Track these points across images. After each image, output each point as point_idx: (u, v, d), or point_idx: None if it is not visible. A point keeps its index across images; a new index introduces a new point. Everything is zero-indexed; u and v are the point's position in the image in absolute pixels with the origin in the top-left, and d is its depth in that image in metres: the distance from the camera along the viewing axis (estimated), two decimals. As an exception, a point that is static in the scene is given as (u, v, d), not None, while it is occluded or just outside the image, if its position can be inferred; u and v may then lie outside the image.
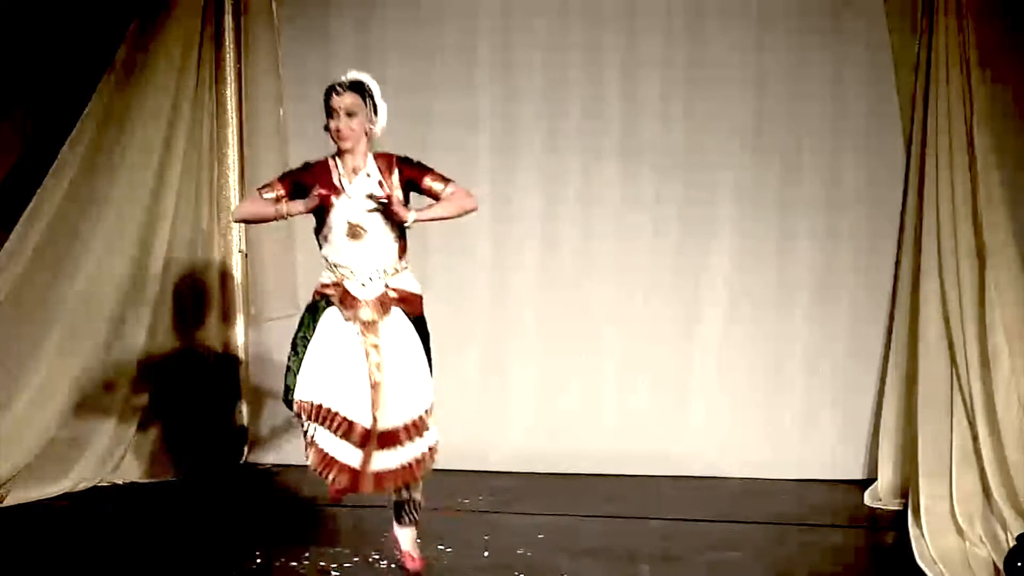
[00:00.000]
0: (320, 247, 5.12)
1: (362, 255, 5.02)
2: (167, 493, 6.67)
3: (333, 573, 5.29)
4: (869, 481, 6.70)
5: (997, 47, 6.25)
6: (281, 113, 7.23)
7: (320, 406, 4.92)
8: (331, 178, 5.03)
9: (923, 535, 5.74)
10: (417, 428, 4.99)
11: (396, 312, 5.04)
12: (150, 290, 6.83)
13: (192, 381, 7.08)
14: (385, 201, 4.92)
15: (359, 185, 5.02)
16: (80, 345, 6.61)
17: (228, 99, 7.19)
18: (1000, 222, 6.15)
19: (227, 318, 7.28)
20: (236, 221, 6.75)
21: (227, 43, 7.14)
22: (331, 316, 5.03)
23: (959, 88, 6.27)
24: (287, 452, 7.23)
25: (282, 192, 5.04)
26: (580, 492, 6.75)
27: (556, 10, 7.05)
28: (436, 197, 5.07)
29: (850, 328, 6.94)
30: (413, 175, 5.08)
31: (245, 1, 7.14)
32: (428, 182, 5.07)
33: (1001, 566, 5.29)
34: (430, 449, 5.02)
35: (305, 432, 4.96)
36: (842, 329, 6.96)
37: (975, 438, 6.02)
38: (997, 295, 6.08)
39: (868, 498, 6.57)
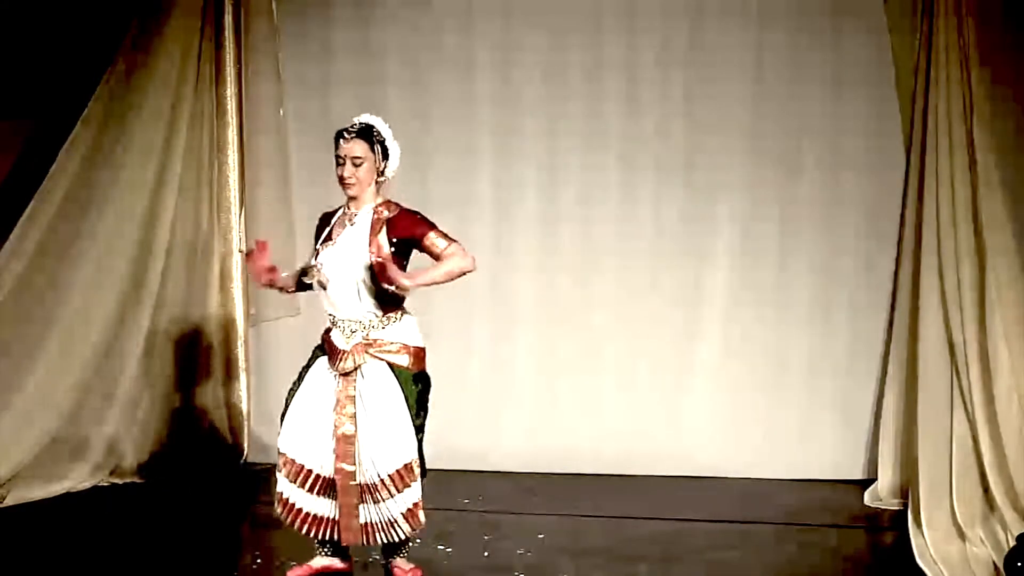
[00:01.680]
0: None
1: (338, 304, 5.01)
2: (167, 493, 6.67)
3: (334, 573, 5.28)
4: (869, 481, 6.70)
5: (997, 47, 6.25)
6: (281, 113, 7.23)
7: (291, 460, 5.01)
8: (328, 221, 5.11)
9: (923, 535, 5.75)
10: (402, 479, 4.95)
11: (375, 364, 4.98)
12: (150, 290, 6.83)
13: (192, 381, 7.08)
14: (378, 266, 4.83)
15: (345, 236, 5.01)
16: (80, 345, 6.61)
17: (228, 99, 7.18)
18: (1000, 222, 6.15)
19: (227, 318, 7.27)
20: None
21: (227, 43, 7.14)
22: (319, 366, 5.07)
23: (959, 88, 6.27)
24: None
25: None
26: (580, 492, 6.75)
27: (556, 10, 7.05)
28: (436, 256, 4.98)
29: (850, 328, 6.94)
30: (411, 232, 4.98)
31: (245, 1, 7.14)
32: (429, 241, 4.97)
33: (1001, 566, 5.29)
34: (415, 505, 4.99)
35: (279, 491, 5.06)
36: (842, 329, 6.96)
37: (975, 438, 6.02)
38: (997, 295, 6.08)
39: (868, 498, 6.57)
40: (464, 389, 7.02)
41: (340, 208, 5.17)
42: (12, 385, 6.42)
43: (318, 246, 5.06)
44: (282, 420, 5.13)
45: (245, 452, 7.26)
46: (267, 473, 7.10)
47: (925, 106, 6.43)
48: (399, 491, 4.96)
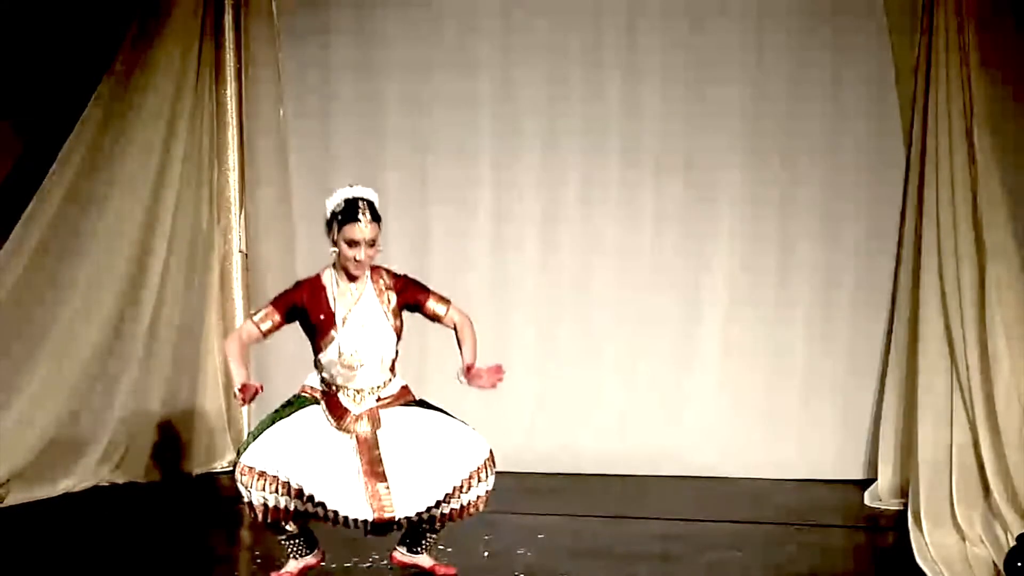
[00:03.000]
0: (315, 360, 4.98)
1: (359, 377, 4.93)
2: (167, 493, 6.67)
3: (333, 573, 5.29)
4: (869, 481, 6.70)
5: (997, 47, 6.25)
6: (281, 113, 7.24)
7: (265, 474, 4.76)
8: (328, 304, 4.91)
9: (923, 535, 5.74)
10: (479, 476, 4.90)
11: (388, 413, 4.93)
12: (150, 290, 6.83)
13: (192, 381, 7.08)
14: (499, 381, 4.92)
15: (366, 311, 4.91)
16: (80, 345, 6.61)
17: (228, 99, 7.19)
18: (1000, 222, 6.15)
19: (227, 318, 7.28)
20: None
21: (227, 43, 7.15)
22: (316, 412, 4.92)
23: (959, 88, 6.27)
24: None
25: (278, 319, 4.92)
26: (580, 492, 6.76)
27: (556, 10, 7.05)
28: (436, 318, 5.02)
29: (850, 328, 6.94)
30: (416, 299, 4.99)
31: (245, 1, 7.14)
32: (431, 305, 5.00)
33: (1001, 566, 5.29)
34: (486, 493, 4.93)
35: (246, 501, 4.81)
36: (842, 329, 6.96)
37: (975, 438, 6.01)
38: (997, 295, 6.08)
39: (868, 498, 6.57)
40: (464, 389, 7.01)
41: (319, 279, 4.98)
42: (12, 385, 6.42)
43: (334, 330, 4.89)
44: (250, 440, 4.89)
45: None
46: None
47: (925, 106, 6.43)
48: (466, 492, 4.89)
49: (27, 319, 6.49)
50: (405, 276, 5.03)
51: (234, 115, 7.22)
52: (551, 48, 7.06)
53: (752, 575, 5.42)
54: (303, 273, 7.15)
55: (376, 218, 4.86)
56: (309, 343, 4.96)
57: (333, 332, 4.88)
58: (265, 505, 4.79)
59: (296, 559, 5.06)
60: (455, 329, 5.04)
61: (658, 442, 7.04)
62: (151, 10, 6.82)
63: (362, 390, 4.93)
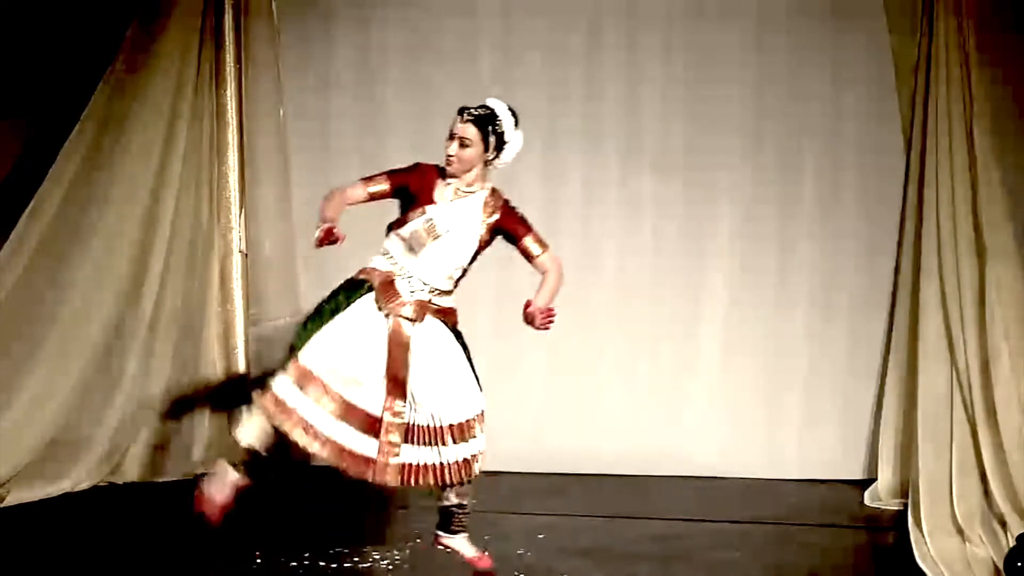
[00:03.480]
0: (388, 235, 5.12)
1: (421, 264, 5.03)
2: (167, 493, 6.66)
3: (333, 573, 5.28)
4: (869, 481, 6.70)
5: (997, 47, 6.25)
6: (281, 113, 7.23)
7: (318, 379, 4.90)
8: (434, 187, 5.05)
9: (923, 535, 5.74)
10: (463, 432, 5.01)
11: (432, 321, 5.06)
12: (150, 290, 6.83)
13: (192, 381, 7.07)
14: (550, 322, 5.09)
15: (465, 207, 5.05)
16: (80, 345, 6.61)
17: (228, 99, 7.18)
18: (1000, 222, 6.15)
19: (227, 318, 7.27)
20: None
21: (227, 43, 7.13)
22: (369, 301, 5.02)
23: (959, 88, 6.28)
24: (286, 452, 7.23)
25: (386, 187, 5.08)
26: (580, 492, 6.75)
27: (556, 10, 7.05)
28: (529, 257, 5.16)
29: (850, 328, 6.94)
30: (514, 229, 5.14)
31: (245, 1, 7.14)
32: (527, 243, 5.15)
33: (1001, 566, 5.29)
34: (472, 456, 5.03)
35: (271, 385, 4.92)
36: (842, 329, 6.96)
37: (975, 438, 6.02)
38: (997, 295, 6.08)
39: (868, 498, 6.57)
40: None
41: (440, 170, 5.10)
42: (12, 385, 6.41)
43: (431, 204, 5.02)
44: (303, 333, 4.99)
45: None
46: (266, 473, 7.11)
47: (925, 106, 6.43)
48: (456, 442, 5.00)
49: (27, 319, 6.48)
50: (516, 209, 5.18)
51: (234, 115, 7.20)
52: (551, 48, 7.06)
53: (752, 575, 5.42)
54: (303, 273, 7.25)
55: (480, 124, 5.01)
56: (391, 221, 5.09)
57: (428, 207, 5.01)
58: (287, 406, 4.90)
59: (239, 472, 5.16)
60: (544, 273, 5.18)
61: (658, 442, 7.04)
62: (151, 10, 6.81)
63: (421, 281, 5.02)
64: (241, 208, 7.24)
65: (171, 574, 5.40)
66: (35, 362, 6.47)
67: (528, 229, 5.17)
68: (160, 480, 6.83)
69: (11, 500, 6.22)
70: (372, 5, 7.18)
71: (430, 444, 5.01)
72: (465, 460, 5.02)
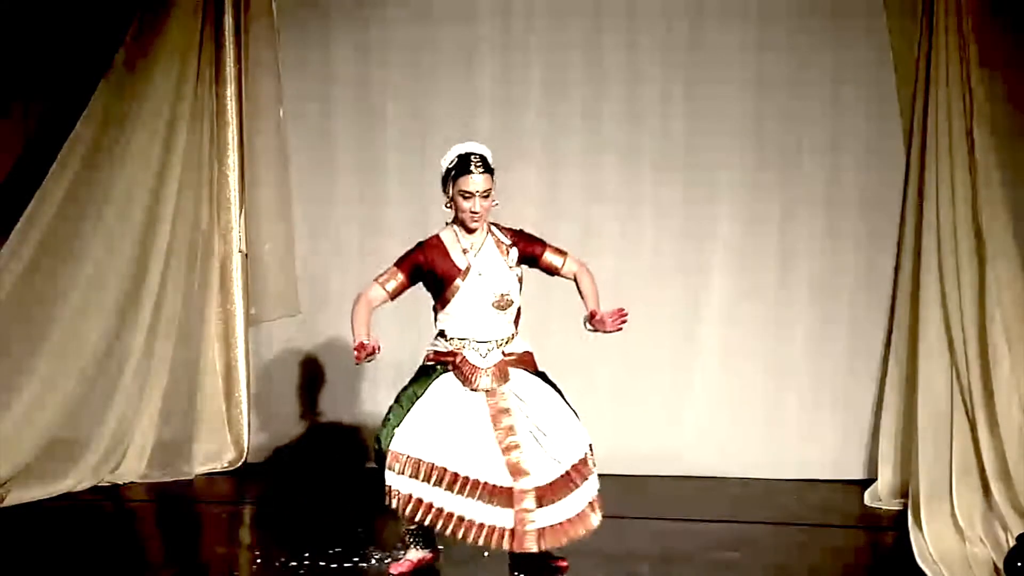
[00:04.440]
0: (436, 319, 5.17)
1: (482, 327, 5.09)
2: (167, 493, 6.67)
3: (333, 573, 5.28)
4: (869, 481, 6.70)
5: (997, 47, 6.25)
6: (281, 113, 7.23)
7: (419, 460, 4.93)
8: (450, 258, 5.08)
9: (923, 535, 5.74)
10: (580, 473, 5.06)
11: (517, 373, 5.12)
12: (150, 290, 6.83)
13: (192, 381, 7.07)
14: (623, 323, 5.10)
15: (488, 259, 5.10)
16: (80, 345, 6.61)
17: (228, 99, 7.19)
18: (1000, 222, 6.15)
19: (227, 318, 7.27)
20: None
21: (227, 43, 7.14)
22: (447, 380, 5.07)
23: (959, 88, 6.28)
24: (286, 453, 7.24)
25: (403, 279, 5.08)
26: (580, 492, 6.74)
27: (556, 11, 7.05)
28: (554, 270, 5.24)
29: (850, 328, 6.94)
30: (533, 251, 5.21)
31: (245, 1, 7.14)
32: (548, 257, 5.23)
33: (1001, 566, 5.29)
34: (596, 496, 5.11)
35: (388, 486, 4.95)
36: (842, 329, 6.96)
37: (975, 438, 6.02)
38: (997, 295, 6.08)
39: (868, 498, 6.57)
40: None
41: (438, 237, 5.12)
42: (12, 385, 6.42)
43: (460, 278, 5.05)
44: (387, 425, 4.99)
45: (245, 452, 7.26)
46: (267, 473, 7.11)
47: (925, 106, 6.43)
48: (585, 479, 5.07)
49: (27, 319, 6.49)
50: (520, 230, 5.25)
51: (234, 115, 7.21)
52: (551, 48, 7.06)
53: (752, 575, 5.42)
54: (303, 273, 7.25)
55: (488, 170, 5.04)
56: (432, 304, 5.14)
57: (459, 281, 5.05)
58: (410, 496, 4.91)
59: (416, 549, 5.20)
60: (575, 280, 5.26)
61: (658, 442, 7.04)
62: (151, 10, 6.82)
63: (488, 342, 5.08)
64: (241, 208, 7.24)
65: (171, 574, 5.40)
66: (35, 362, 6.47)
67: (544, 245, 5.25)
68: (160, 480, 6.83)
69: (11, 500, 6.22)
70: (372, 5, 7.18)
71: (563, 495, 5.03)
72: (594, 498, 5.11)
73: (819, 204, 6.94)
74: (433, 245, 5.12)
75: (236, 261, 7.27)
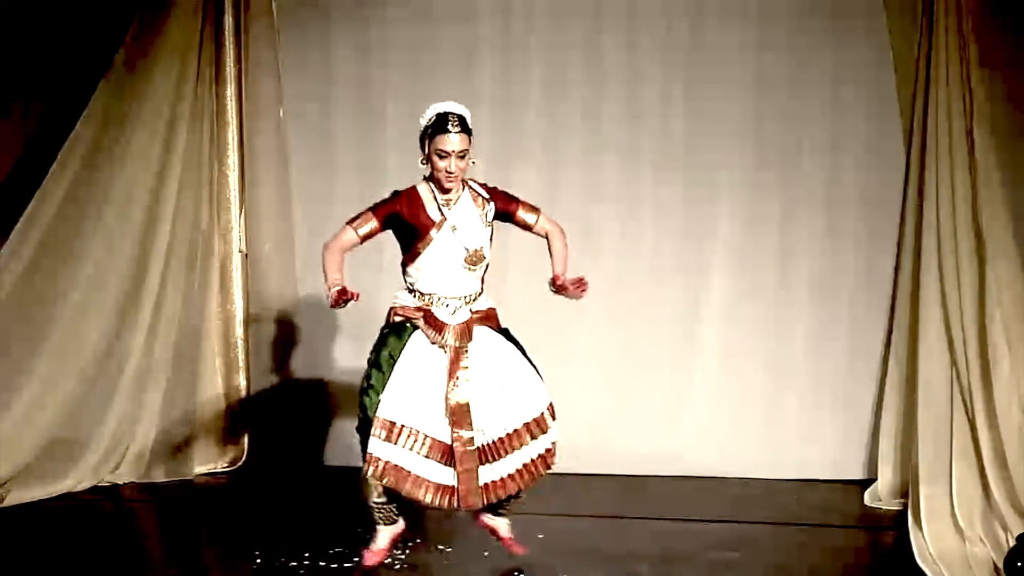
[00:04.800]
0: (405, 272, 5.21)
1: (451, 282, 5.13)
2: (167, 493, 6.67)
3: (333, 573, 5.28)
4: (869, 481, 6.70)
5: (997, 47, 6.25)
6: (281, 113, 7.23)
7: (403, 426, 5.02)
8: (424, 209, 5.12)
9: (923, 535, 5.74)
10: (539, 426, 5.19)
11: (481, 331, 5.18)
12: (150, 290, 6.83)
13: (192, 381, 7.07)
14: (583, 291, 5.20)
15: (461, 214, 5.12)
16: (80, 345, 6.61)
17: (228, 99, 7.18)
18: (1000, 222, 6.15)
19: (227, 318, 7.27)
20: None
21: (227, 43, 7.14)
22: (419, 340, 5.12)
23: (959, 88, 6.28)
24: (286, 453, 7.24)
25: (375, 224, 5.12)
26: (580, 492, 6.75)
27: (556, 11, 7.05)
28: (527, 227, 5.30)
29: (850, 328, 6.94)
30: (507, 208, 5.25)
31: (245, 1, 7.14)
32: (521, 214, 5.29)
33: (1001, 566, 5.29)
34: (548, 450, 5.23)
35: (370, 453, 5.01)
36: (842, 329, 6.96)
37: (975, 438, 6.02)
38: (997, 295, 6.08)
39: (868, 498, 6.57)
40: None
41: (414, 189, 5.18)
42: (12, 385, 6.42)
43: (435, 229, 5.09)
44: (371, 391, 5.05)
45: (244, 452, 7.26)
46: (267, 473, 7.11)
47: (925, 106, 6.43)
48: (535, 437, 5.18)
49: (27, 319, 6.49)
50: (495, 188, 5.27)
51: (234, 115, 7.21)
52: (551, 48, 7.06)
53: (752, 575, 5.42)
54: (303, 273, 7.24)
55: (466, 130, 5.07)
56: (401, 257, 5.18)
57: (433, 232, 5.08)
58: (388, 462, 4.98)
59: (386, 524, 5.22)
60: (547, 238, 5.33)
61: (658, 442, 7.04)
62: (151, 10, 6.81)
63: (456, 298, 5.14)
64: (241, 208, 7.24)
65: (171, 574, 5.40)
66: (35, 362, 6.47)
67: (517, 201, 5.29)
68: (160, 480, 6.83)
69: (11, 500, 6.22)
70: (372, 5, 7.18)
71: (506, 454, 5.14)
72: (540, 455, 5.21)
73: (819, 204, 6.94)
74: (409, 195, 5.15)
75: (236, 261, 7.27)
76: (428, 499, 5.06)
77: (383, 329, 5.21)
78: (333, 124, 7.26)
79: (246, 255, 7.28)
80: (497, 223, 5.29)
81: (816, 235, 6.95)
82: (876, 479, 6.62)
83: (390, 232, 5.23)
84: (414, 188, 5.18)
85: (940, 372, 6.21)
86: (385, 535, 5.25)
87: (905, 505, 6.18)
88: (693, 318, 7.06)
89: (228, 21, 7.13)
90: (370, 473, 5.01)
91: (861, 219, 6.90)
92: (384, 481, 5.02)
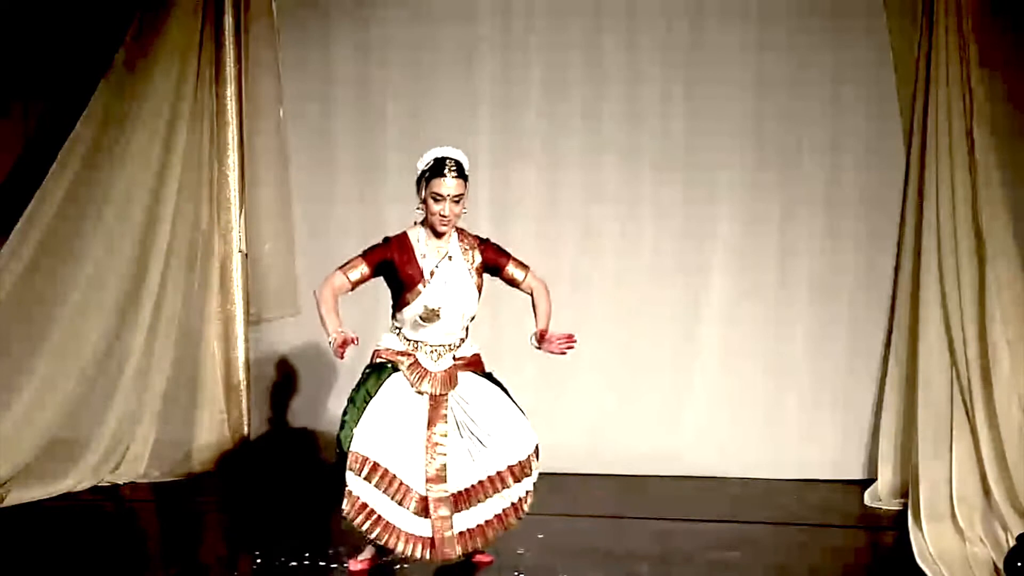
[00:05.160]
0: (393, 316, 5.21)
1: (439, 332, 5.14)
2: (167, 493, 6.67)
3: (333, 573, 5.29)
4: (869, 481, 6.70)
5: (997, 47, 6.25)
6: (281, 113, 7.23)
7: (376, 464, 5.00)
8: (415, 259, 5.10)
9: (923, 535, 5.75)
10: (523, 469, 5.16)
11: (465, 376, 5.17)
12: (150, 290, 6.83)
13: (192, 381, 7.08)
14: (570, 348, 5.21)
15: (450, 266, 5.12)
16: (80, 345, 6.61)
17: (228, 99, 7.18)
18: (1000, 222, 6.16)
19: (227, 318, 7.27)
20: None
21: (227, 43, 7.14)
22: (398, 381, 5.11)
23: (959, 88, 6.28)
24: (286, 452, 7.24)
25: (366, 271, 5.11)
26: (580, 492, 6.75)
27: (556, 11, 7.05)
28: (514, 283, 5.29)
29: (850, 328, 6.95)
30: (496, 262, 5.25)
31: (245, 1, 7.14)
32: (511, 270, 5.28)
33: (1001, 566, 5.29)
34: (528, 492, 5.21)
35: (348, 489, 4.99)
36: (842, 329, 6.96)
37: (975, 438, 6.02)
38: (997, 295, 6.08)
39: (868, 498, 6.57)
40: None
41: (406, 235, 5.16)
42: (12, 385, 6.42)
43: (421, 284, 5.07)
44: (345, 426, 5.05)
45: (244, 452, 7.25)
46: (267, 473, 7.11)
47: (925, 106, 6.44)
48: (517, 480, 5.15)
49: (27, 319, 6.49)
50: (487, 240, 5.28)
51: (234, 115, 7.21)
52: (551, 48, 7.06)
53: (752, 575, 5.43)
54: (303, 273, 7.25)
55: (462, 176, 5.06)
56: (390, 300, 5.17)
57: (420, 286, 5.08)
58: (364, 503, 4.97)
59: (373, 545, 5.22)
60: (532, 295, 5.33)
61: (658, 442, 7.04)
62: (151, 10, 6.82)
63: (441, 346, 5.13)
64: (241, 208, 7.24)
65: (171, 574, 5.40)
66: (35, 362, 6.47)
67: (508, 256, 5.27)
68: (160, 480, 6.83)
69: (11, 500, 6.22)
70: (372, 5, 7.18)
71: (485, 499, 5.13)
72: (520, 498, 5.19)
73: (819, 204, 6.94)
74: (400, 242, 5.14)
75: (236, 261, 7.27)
76: (400, 548, 5.04)
77: (365, 369, 5.19)
78: (333, 124, 7.26)
79: (246, 255, 7.28)
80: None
81: (816, 235, 6.95)
82: (876, 479, 6.62)
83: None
84: (405, 235, 5.15)
85: (940, 372, 6.21)
86: (369, 551, 5.27)
87: (905, 505, 6.19)
88: (693, 318, 7.07)
89: (228, 21, 7.13)
90: (345, 510, 4.99)
91: (861, 219, 6.91)
92: (356, 522, 4.99)
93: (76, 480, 6.56)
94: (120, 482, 6.74)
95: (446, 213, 5.04)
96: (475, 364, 5.24)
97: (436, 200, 5.04)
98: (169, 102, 6.87)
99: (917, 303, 6.43)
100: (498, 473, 5.12)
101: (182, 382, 7.03)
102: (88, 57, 6.76)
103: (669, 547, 5.75)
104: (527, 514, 5.26)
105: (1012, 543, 5.40)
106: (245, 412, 7.29)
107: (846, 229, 6.93)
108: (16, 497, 6.25)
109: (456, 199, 5.04)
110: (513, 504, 5.17)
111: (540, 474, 6.91)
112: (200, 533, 6.03)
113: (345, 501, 4.99)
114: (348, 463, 4.97)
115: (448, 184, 5.02)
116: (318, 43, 7.23)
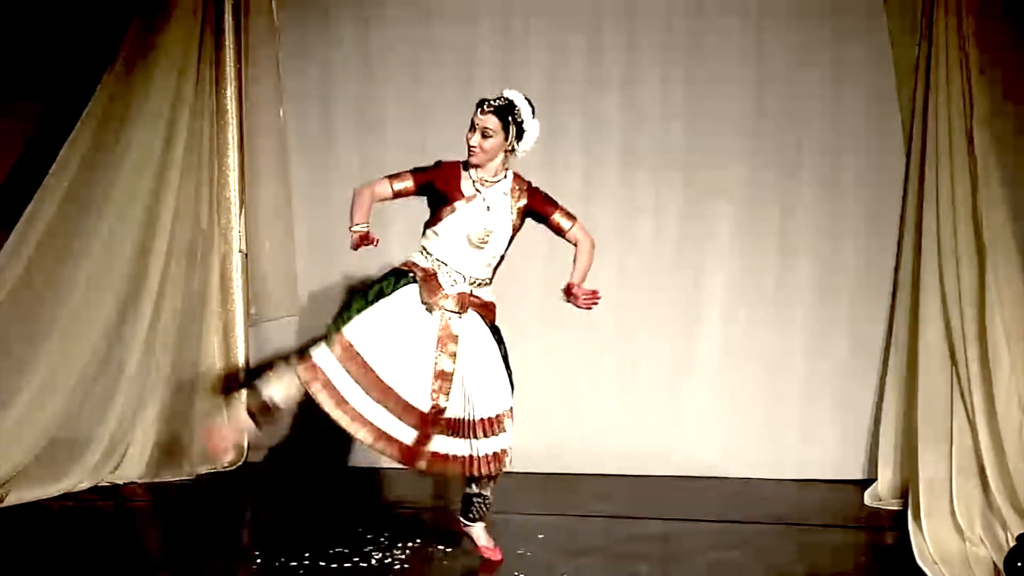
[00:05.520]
0: (424, 234, 5.29)
1: (462, 257, 5.21)
2: (167, 493, 6.66)
3: (333, 573, 5.28)
4: (869, 481, 6.70)
5: (997, 47, 6.25)
6: (281, 113, 7.23)
7: (359, 356, 5.05)
8: (459, 182, 5.21)
9: (923, 535, 5.74)
10: (492, 426, 5.21)
11: (475, 317, 5.24)
12: (150, 290, 6.82)
13: (192, 381, 7.07)
14: (594, 304, 5.28)
15: (494, 197, 5.23)
16: (80, 345, 6.60)
17: (228, 99, 7.19)
18: (1000, 222, 6.15)
19: (227, 318, 7.27)
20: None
21: (227, 43, 7.14)
22: (413, 291, 5.18)
23: (959, 88, 6.28)
24: (286, 453, 7.24)
25: (411, 185, 5.24)
26: (580, 492, 6.76)
27: (556, 10, 7.05)
28: (560, 231, 5.36)
29: (850, 328, 6.95)
30: (543, 209, 5.33)
31: (245, 1, 7.14)
32: (557, 218, 5.36)
33: (1001, 566, 5.29)
34: (502, 451, 5.24)
35: (313, 362, 5.04)
36: (842, 329, 6.96)
37: (975, 438, 6.01)
38: (997, 295, 6.08)
39: (868, 498, 6.57)
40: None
41: (462, 164, 5.25)
42: (12, 385, 6.41)
43: (460, 201, 5.18)
44: (348, 311, 5.13)
45: (245, 452, 7.26)
46: (267, 474, 7.11)
47: (925, 106, 6.44)
48: (487, 436, 5.21)
49: (27, 319, 6.48)
50: (539, 189, 5.36)
51: (234, 115, 7.21)
52: (551, 48, 7.06)
53: (752, 575, 5.42)
54: (303, 272, 7.25)
55: (498, 112, 5.17)
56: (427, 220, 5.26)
57: (458, 203, 5.18)
58: (327, 379, 5.04)
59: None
60: (576, 245, 5.40)
61: (658, 442, 7.04)
62: (151, 10, 6.81)
63: (463, 275, 5.21)
64: (241, 208, 7.24)
65: (170, 574, 5.40)
66: (35, 362, 6.47)
67: (556, 206, 5.36)
68: (160, 480, 6.83)
69: (11, 500, 6.21)
70: (372, 5, 7.19)
71: (462, 435, 5.21)
72: (495, 454, 5.23)
73: (819, 204, 6.94)
74: (450, 167, 5.26)
75: (236, 261, 7.27)
76: (362, 437, 5.10)
77: (386, 273, 5.27)
78: (333, 124, 7.26)
79: (246, 255, 7.28)
80: (531, 225, 5.35)
81: (816, 235, 6.95)
82: (876, 479, 6.62)
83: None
84: (457, 163, 5.27)
85: (940, 372, 6.21)
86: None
87: (905, 505, 6.18)
88: (693, 318, 7.07)
89: (228, 21, 7.13)
90: (301, 376, 5.04)
91: (861, 219, 6.91)
92: (311, 389, 5.05)
93: (76, 480, 6.55)
94: (120, 482, 6.74)
95: (473, 143, 5.16)
96: (488, 310, 5.30)
97: (471, 129, 5.19)
98: (169, 102, 6.87)
99: (917, 303, 6.43)
100: (471, 420, 5.19)
101: (182, 382, 7.02)
102: (88, 57, 6.75)
103: (669, 547, 5.75)
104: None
105: (1012, 543, 5.40)
106: (245, 412, 7.27)
107: (846, 229, 6.93)
108: (16, 497, 6.24)
109: (487, 132, 5.15)
110: (487, 456, 5.21)
111: (541, 474, 6.99)
112: (200, 533, 6.02)
113: (300, 358, 5.06)
114: (331, 340, 5.06)
115: (479, 116, 5.17)
116: (318, 43, 7.23)
